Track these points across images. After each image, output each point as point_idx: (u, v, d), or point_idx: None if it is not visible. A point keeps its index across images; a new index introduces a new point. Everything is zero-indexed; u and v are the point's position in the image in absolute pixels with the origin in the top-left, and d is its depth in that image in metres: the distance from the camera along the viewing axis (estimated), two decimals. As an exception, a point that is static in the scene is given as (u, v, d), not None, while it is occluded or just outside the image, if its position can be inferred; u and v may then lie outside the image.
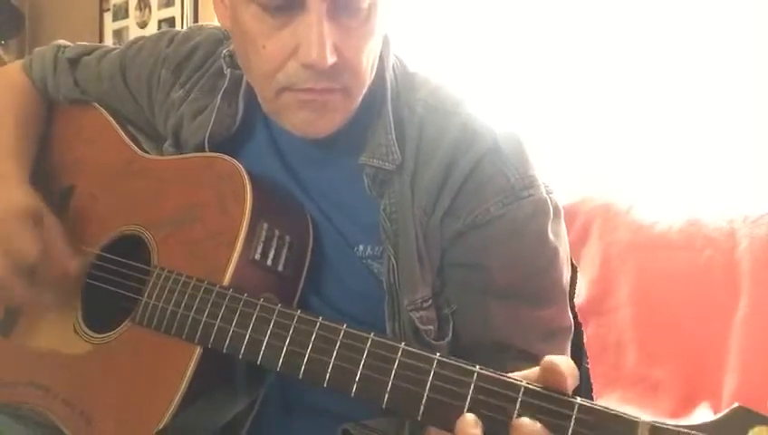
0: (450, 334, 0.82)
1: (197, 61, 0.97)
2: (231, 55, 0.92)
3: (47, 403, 0.84)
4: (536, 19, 1.92)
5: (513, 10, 1.96)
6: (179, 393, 0.73)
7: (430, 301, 0.81)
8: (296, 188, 0.88)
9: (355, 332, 0.66)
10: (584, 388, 0.94)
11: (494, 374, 0.59)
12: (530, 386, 0.57)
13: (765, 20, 1.55)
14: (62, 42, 1.11)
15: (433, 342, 0.80)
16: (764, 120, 1.54)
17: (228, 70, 0.92)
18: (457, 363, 0.61)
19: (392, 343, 0.64)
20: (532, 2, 1.93)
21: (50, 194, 0.99)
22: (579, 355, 0.91)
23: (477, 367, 0.59)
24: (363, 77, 0.78)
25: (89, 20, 3.01)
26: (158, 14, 2.78)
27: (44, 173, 1.03)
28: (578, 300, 0.96)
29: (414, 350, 0.63)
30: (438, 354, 0.61)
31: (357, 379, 0.64)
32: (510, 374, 0.59)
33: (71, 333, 0.88)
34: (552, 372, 0.56)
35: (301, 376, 0.68)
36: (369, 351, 0.64)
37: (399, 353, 0.63)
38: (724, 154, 1.58)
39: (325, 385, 0.66)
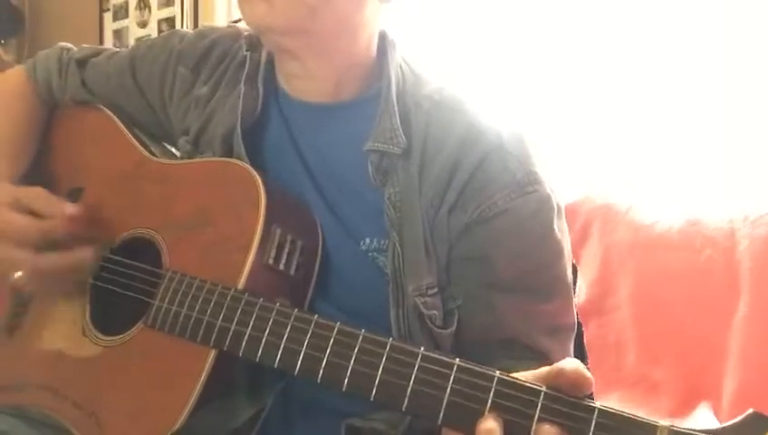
0: (455, 325, 0.82)
1: (217, 57, 0.98)
2: (251, 37, 0.94)
3: (56, 405, 0.84)
4: (537, 19, 1.92)
5: (515, 10, 1.95)
6: (193, 397, 0.73)
7: (436, 289, 0.81)
8: (305, 175, 0.89)
9: (374, 337, 0.66)
10: (584, 388, 0.94)
11: (514, 379, 0.59)
12: (550, 391, 0.57)
13: (764, 20, 1.55)
14: (64, 44, 1.12)
15: (437, 329, 0.81)
16: (765, 120, 1.54)
17: (248, 53, 0.94)
18: (477, 368, 0.61)
19: (411, 348, 0.64)
20: (534, 2, 1.93)
21: (57, 196, 0.99)
22: (579, 355, 0.91)
23: (497, 372, 0.60)
24: None
25: (89, 20, 3.00)
26: (157, 13, 2.78)
27: (51, 175, 1.03)
28: (578, 300, 0.96)
29: (433, 355, 0.63)
30: (459, 359, 0.62)
31: (376, 383, 0.64)
32: (527, 375, 0.60)
33: (79, 335, 0.87)
34: (575, 378, 0.56)
35: (319, 380, 0.68)
36: (388, 355, 0.65)
37: (419, 359, 0.63)
38: (724, 154, 1.57)
39: (344, 389, 0.66)
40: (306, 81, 0.89)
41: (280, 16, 0.79)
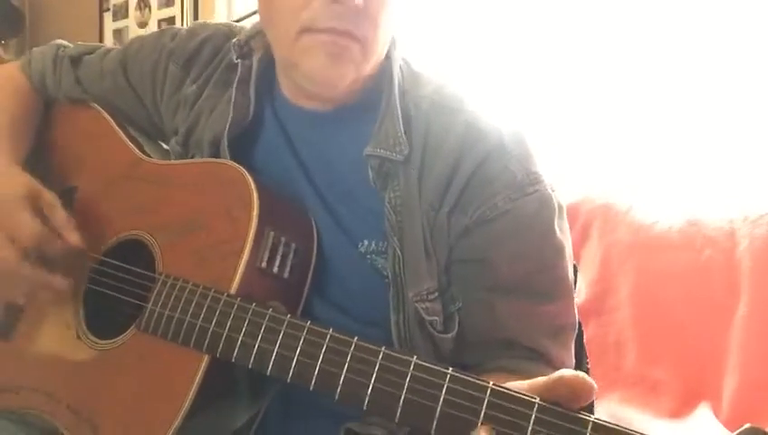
0: (456, 328, 0.82)
1: (207, 56, 0.97)
2: (241, 45, 0.93)
3: (51, 409, 0.84)
4: (537, 19, 1.92)
5: (515, 10, 1.95)
6: (187, 402, 0.73)
7: (436, 293, 0.81)
8: (303, 178, 0.88)
9: (366, 345, 0.66)
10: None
11: (507, 391, 0.59)
12: (543, 404, 0.57)
13: (764, 19, 1.55)
14: (61, 41, 1.12)
15: (437, 334, 0.81)
16: (764, 119, 1.54)
17: (238, 60, 0.92)
18: (471, 379, 0.60)
19: (404, 356, 0.64)
20: (534, 2, 1.93)
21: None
22: (579, 355, 0.91)
23: (491, 383, 0.60)
24: (379, 37, 0.80)
25: (89, 20, 3.00)
26: (157, 13, 2.78)
27: (44, 173, 1.02)
28: (578, 300, 0.96)
29: (426, 364, 0.63)
30: (451, 369, 0.62)
31: (369, 392, 0.64)
32: (523, 384, 0.59)
33: (73, 338, 0.87)
34: (576, 384, 0.55)
35: (312, 387, 0.67)
36: (380, 364, 0.64)
37: (412, 367, 0.63)
38: (723, 154, 1.57)
39: (337, 397, 0.66)
40: (316, 95, 0.88)
41: (343, 76, 0.80)
